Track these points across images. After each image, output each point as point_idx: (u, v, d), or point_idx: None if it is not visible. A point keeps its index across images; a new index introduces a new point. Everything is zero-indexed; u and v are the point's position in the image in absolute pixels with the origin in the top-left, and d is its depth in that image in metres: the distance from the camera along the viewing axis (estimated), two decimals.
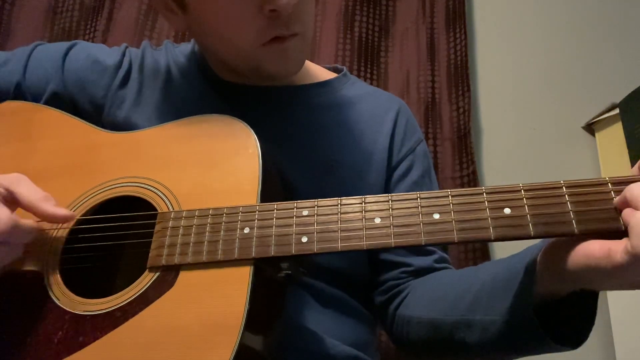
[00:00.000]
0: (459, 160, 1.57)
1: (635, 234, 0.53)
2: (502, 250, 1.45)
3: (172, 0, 0.84)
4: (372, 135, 0.95)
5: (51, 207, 0.70)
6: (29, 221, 0.70)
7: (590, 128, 1.66)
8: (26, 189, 0.70)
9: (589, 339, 0.64)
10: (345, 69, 1.05)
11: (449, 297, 0.79)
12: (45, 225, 0.74)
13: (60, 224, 0.75)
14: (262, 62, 0.84)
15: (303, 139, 0.92)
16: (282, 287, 0.71)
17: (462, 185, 1.53)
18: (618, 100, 1.51)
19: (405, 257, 0.90)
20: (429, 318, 0.80)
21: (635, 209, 0.55)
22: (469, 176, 1.53)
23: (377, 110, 0.99)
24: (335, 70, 1.06)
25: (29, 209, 0.70)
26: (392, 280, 0.91)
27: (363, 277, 0.93)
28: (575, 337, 0.64)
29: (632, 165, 0.59)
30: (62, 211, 0.71)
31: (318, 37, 1.67)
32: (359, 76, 1.60)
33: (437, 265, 0.90)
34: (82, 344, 0.66)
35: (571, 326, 0.64)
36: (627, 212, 0.56)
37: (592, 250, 0.56)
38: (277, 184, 0.77)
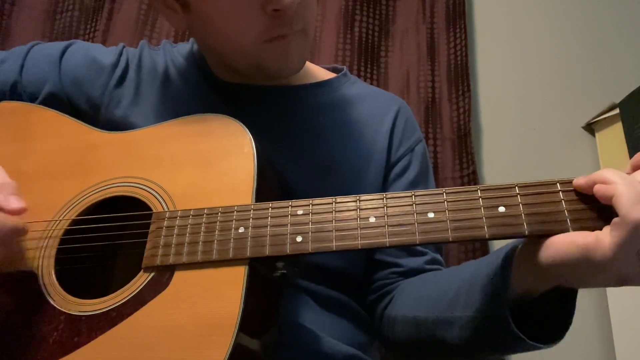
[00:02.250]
0: (459, 160, 1.56)
1: (622, 202, 0.53)
2: None
3: None
4: (371, 136, 0.95)
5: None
6: (11, 218, 0.69)
7: (590, 128, 1.66)
8: None
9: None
10: (345, 68, 1.05)
11: (432, 295, 0.79)
12: (35, 226, 0.74)
13: (55, 225, 0.75)
14: (264, 60, 0.83)
15: (302, 139, 0.91)
16: (277, 286, 0.71)
17: (462, 185, 1.53)
18: (618, 100, 1.51)
19: (397, 258, 0.90)
20: (413, 316, 0.80)
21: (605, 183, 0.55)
22: (469, 176, 1.53)
23: (376, 110, 0.99)
24: (335, 70, 1.05)
25: None
26: (381, 280, 0.90)
27: (361, 277, 0.92)
28: (551, 335, 0.63)
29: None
30: (12, 203, 0.70)
31: (318, 37, 1.67)
32: (359, 76, 1.60)
33: (428, 267, 0.90)
34: (78, 345, 0.66)
35: (547, 325, 0.64)
36: (600, 188, 0.56)
37: (576, 239, 0.56)
38: (273, 184, 0.76)
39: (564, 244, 0.57)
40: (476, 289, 0.68)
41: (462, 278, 0.74)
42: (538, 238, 0.59)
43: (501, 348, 0.70)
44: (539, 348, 0.63)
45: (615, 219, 0.53)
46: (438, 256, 0.93)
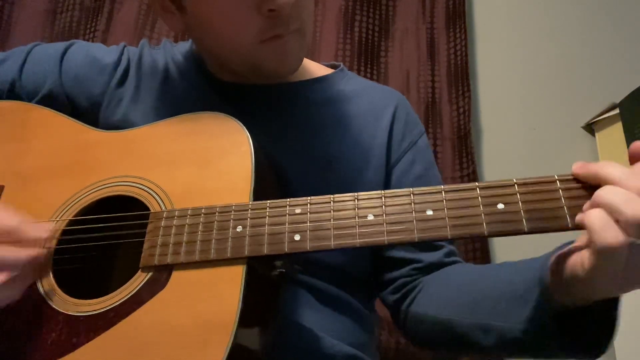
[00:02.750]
0: (459, 160, 1.56)
1: (593, 230, 0.54)
2: (501, 249, 1.45)
3: (170, 2, 0.84)
4: (371, 130, 0.94)
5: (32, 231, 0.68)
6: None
7: (590, 128, 1.66)
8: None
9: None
10: (342, 64, 1.05)
11: (465, 299, 0.78)
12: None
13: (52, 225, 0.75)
14: (261, 60, 0.83)
15: (300, 135, 0.91)
16: (276, 285, 0.70)
17: None
18: (618, 100, 1.51)
19: (415, 253, 0.90)
20: (445, 318, 0.80)
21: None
22: (469, 176, 1.53)
23: (375, 104, 0.98)
24: (332, 67, 1.05)
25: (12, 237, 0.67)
26: (403, 278, 0.90)
27: (363, 275, 0.92)
28: (595, 347, 0.63)
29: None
30: (42, 232, 0.68)
31: (318, 37, 1.67)
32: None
33: (447, 260, 0.90)
34: (76, 345, 0.65)
35: (591, 336, 0.64)
36: (580, 215, 0.57)
37: (572, 261, 0.58)
38: (271, 182, 0.76)
39: (568, 265, 0.59)
40: (517, 302, 0.68)
41: (499, 288, 0.74)
42: (561, 262, 0.60)
43: (539, 356, 0.70)
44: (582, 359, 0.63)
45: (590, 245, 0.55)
46: (453, 247, 0.93)
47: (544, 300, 0.64)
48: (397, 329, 0.94)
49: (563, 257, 0.60)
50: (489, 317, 0.72)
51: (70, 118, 0.87)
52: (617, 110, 1.52)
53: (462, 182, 1.53)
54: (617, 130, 1.52)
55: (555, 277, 0.62)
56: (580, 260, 0.56)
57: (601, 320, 0.63)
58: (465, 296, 0.79)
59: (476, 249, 1.44)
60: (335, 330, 0.83)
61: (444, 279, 0.86)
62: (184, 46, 1.01)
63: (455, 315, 0.78)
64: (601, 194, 0.55)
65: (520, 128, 1.67)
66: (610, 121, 1.57)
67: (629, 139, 1.44)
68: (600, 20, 1.78)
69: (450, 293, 0.82)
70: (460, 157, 1.56)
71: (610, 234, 0.53)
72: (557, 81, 1.71)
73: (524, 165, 1.62)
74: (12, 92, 0.92)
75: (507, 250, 1.44)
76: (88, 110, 0.92)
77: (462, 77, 1.64)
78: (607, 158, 1.56)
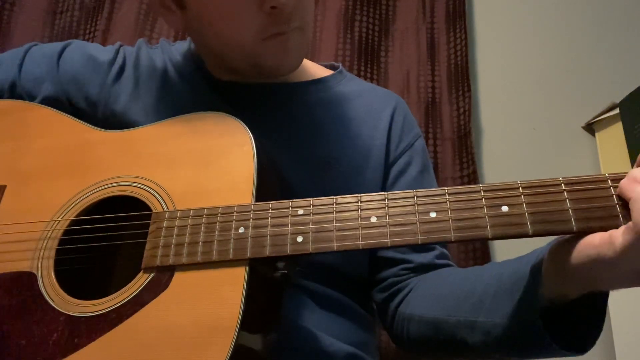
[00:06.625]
0: (459, 160, 1.56)
1: (636, 209, 0.51)
2: (502, 250, 1.45)
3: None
4: (369, 132, 0.95)
5: None
6: None
7: (590, 128, 1.65)
8: None
9: None
10: (341, 66, 1.05)
11: (452, 297, 0.78)
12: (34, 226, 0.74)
13: (54, 225, 0.75)
14: (262, 57, 0.83)
15: (299, 136, 0.91)
16: (278, 286, 0.70)
17: (462, 185, 1.53)
18: (618, 100, 1.51)
19: (406, 254, 0.90)
20: (431, 317, 0.80)
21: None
22: (469, 176, 1.52)
23: (373, 106, 0.99)
24: (331, 67, 1.06)
25: None
26: (392, 278, 0.90)
27: (361, 277, 0.92)
28: (582, 342, 0.62)
29: (633, 165, 0.58)
30: None
31: (318, 37, 1.66)
32: (359, 76, 1.59)
33: (438, 262, 0.90)
34: (77, 346, 0.65)
35: (578, 331, 0.63)
36: (625, 186, 0.55)
37: (593, 240, 0.55)
38: (273, 182, 0.76)
39: (583, 246, 0.56)
40: (503, 295, 0.68)
41: (486, 283, 0.73)
42: (568, 245, 0.58)
43: (526, 353, 0.70)
44: (567, 355, 0.62)
45: (629, 223, 0.52)
46: (445, 250, 0.93)
47: (531, 296, 0.63)
48: (385, 330, 0.94)
49: (573, 241, 0.58)
50: (475, 314, 0.72)
51: (71, 117, 0.87)
52: (617, 110, 1.52)
53: (462, 182, 1.53)
54: (617, 130, 1.51)
55: (553, 263, 0.61)
56: (609, 239, 0.54)
57: (590, 316, 0.62)
58: (451, 294, 0.78)
59: (476, 248, 1.43)
60: (334, 331, 0.83)
61: (433, 280, 0.86)
62: (182, 46, 1.01)
63: (442, 314, 0.78)
64: None
65: (520, 128, 1.66)
66: (610, 121, 1.57)
67: (629, 139, 1.44)
68: (600, 20, 1.78)
69: (437, 292, 0.82)
70: (461, 157, 1.56)
71: None
72: (557, 81, 1.70)
73: (524, 165, 1.61)
74: (13, 94, 0.92)
75: (506, 251, 1.44)
76: (87, 109, 0.93)
77: (462, 77, 1.64)
78: (607, 158, 1.56)
